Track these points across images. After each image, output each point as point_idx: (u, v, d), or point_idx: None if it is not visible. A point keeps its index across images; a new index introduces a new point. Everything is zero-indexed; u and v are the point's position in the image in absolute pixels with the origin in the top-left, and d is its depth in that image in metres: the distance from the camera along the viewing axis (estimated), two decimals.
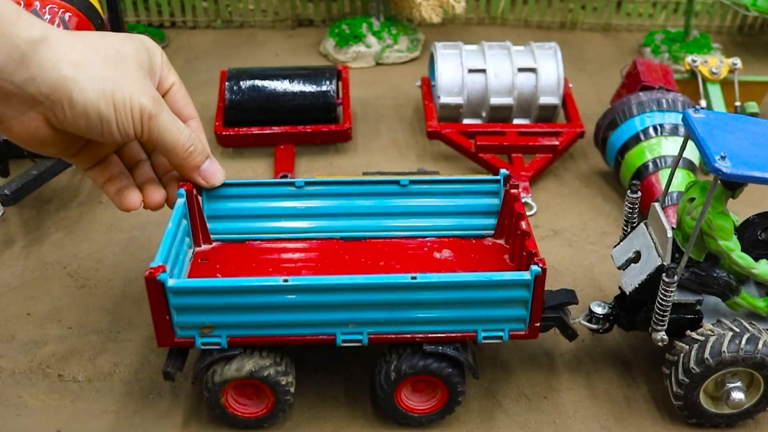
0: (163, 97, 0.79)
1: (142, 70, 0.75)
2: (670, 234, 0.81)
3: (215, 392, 0.82)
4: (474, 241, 0.94)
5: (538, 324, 0.81)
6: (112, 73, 0.72)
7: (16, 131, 0.73)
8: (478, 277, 0.77)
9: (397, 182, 0.94)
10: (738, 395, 0.82)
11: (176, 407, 0.88)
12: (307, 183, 0.93)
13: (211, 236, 0.93)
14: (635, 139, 1.18)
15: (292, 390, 0.84)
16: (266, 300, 0.77)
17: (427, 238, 0.94)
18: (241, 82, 1.32)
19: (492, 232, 0.95)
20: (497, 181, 0.94)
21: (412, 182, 0.94)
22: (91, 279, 1.06)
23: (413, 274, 0.77)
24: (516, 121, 1.35)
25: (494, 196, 0.95)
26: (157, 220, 1.16)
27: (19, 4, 1.15)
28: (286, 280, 0.76)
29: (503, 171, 0.93)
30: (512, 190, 0.90)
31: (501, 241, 0.94)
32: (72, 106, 0.71)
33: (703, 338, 0.81)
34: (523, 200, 0.91)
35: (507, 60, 1.33)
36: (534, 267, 0.77)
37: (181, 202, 0.87)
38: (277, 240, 0.94)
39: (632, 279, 0.85)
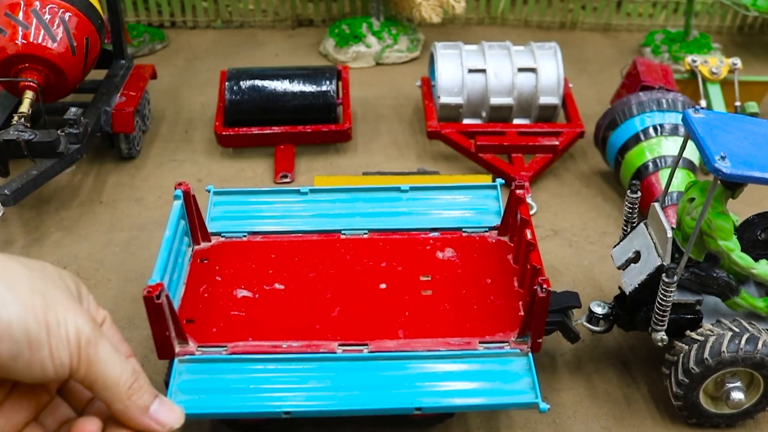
0: None
1: (70, 292, 0.59)
2: (669, 234, 0.81)
3: None
4: (477, 238, 0.94)
5: (540, 340, 0.80)
6: (41, 288, 0.55)
7: None
8: (486, 403, 0.76)
9: (397, 189, 0.96)
10: (738, 395, 0.82)
11: None
12: (312, 191, 0.96)
13: (211, 233, 0.93)
14: (635, 139, 1.18)
15: None
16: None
17: (430, 235, 0.94)
18: (241, 82, 1.32)
19: (497, 223, 0.95)
20: (494, 187, 0.97)
21: (412, 189, 0.96)
22: (91, 279, 1.06)
23: (418, 405, 0.75)
24: (516, 121, 1.35)
25: (494, 199, 0.96)
26: (158, 220, 1.16)
27: (19, 4, 1.16)
28: (288, 413, 0.74)
29: (499, 180, 0.98)
30: (518, 191, 0.89)
31: (505, 239, 0.93)
32: None
33: (703, 338, 0.81)
34: None
35: (507, 60, 1.33)
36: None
37: (178, 204, 0.86)
38: (277, 237, 0.93)
39: (632, 279, 0.85)
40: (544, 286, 0.76)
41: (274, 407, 0.75)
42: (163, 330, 0.76)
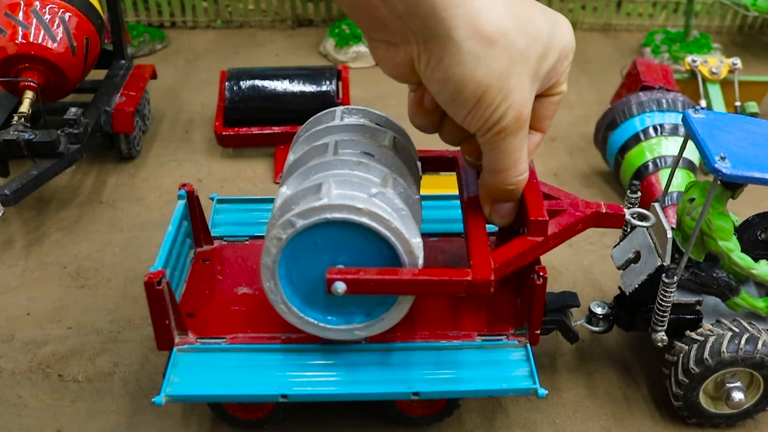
0: (536, 98, 0.69)
1: (540, 64, 0.64)
2: (669, 234, 0.81)
3: None
4: None
5: (538, 331, 0.81)
6: (506, 62, 0.61)
7: (380, 55, 0.68)
8: (483, 389, 0.77)
9: None
10: (738, 395, 0.82)
11: (176, 407, 0.88)
12: None
13: (213, 237, 0.93)
14: (635, 139, 1.18)
15: None
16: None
17: (430, 239, 0.94)
18: (241, 82, 1.32)
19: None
20: None
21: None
22: (91, 279, 1.06)
23: (415, 390, 0.76)
24: None
25: None
26: (158, 220, 1.16)
27: (19, 4, 1.16)
28: (285, 397, 0.75)
29: None
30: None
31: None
32: (438, 68, 0.62)
33: (703, 338, 0.81)
34: None
35: None
36: (541, 391, 0.76)
37: (181, 203, 0.87)
38: None
39: (632, 279, 0.85)
40: (541, 273, 0.76)
41: (271, 391, 0.75)
42: (163, 318, 0.77)
